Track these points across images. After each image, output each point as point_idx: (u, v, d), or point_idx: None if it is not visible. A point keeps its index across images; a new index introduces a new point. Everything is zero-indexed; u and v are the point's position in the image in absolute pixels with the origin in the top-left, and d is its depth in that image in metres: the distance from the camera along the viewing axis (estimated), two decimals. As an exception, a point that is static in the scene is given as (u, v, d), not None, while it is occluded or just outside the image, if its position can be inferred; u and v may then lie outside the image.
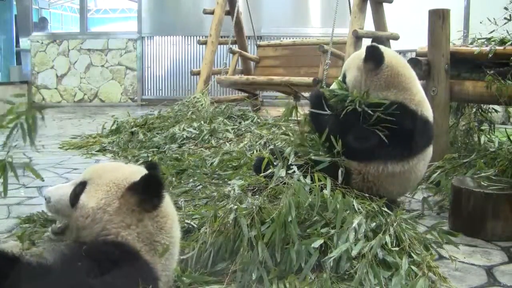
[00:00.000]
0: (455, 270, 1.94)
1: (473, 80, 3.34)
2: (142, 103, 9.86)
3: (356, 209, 1.95)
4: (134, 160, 3.82)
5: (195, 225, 2.05)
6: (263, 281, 1.65)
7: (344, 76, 2.62)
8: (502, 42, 3.22)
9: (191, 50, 9.83)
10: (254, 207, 1.86)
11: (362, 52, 2.58)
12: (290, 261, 1.71)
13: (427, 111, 2.52)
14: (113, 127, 5.21)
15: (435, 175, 2.90)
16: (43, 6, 13.37)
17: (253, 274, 1.66)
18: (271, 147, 3.51)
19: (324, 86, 4.96)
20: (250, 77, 6.25)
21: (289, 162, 2.30)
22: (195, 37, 9.42)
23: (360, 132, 2.37)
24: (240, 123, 4.80)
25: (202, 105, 5.43)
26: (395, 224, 1.92)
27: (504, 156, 2.68)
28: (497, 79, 3.08)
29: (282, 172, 2.19)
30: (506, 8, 3.15)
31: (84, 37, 10.05)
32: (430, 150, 2.59)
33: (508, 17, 3.11)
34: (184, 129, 4.46)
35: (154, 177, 1.40)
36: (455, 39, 3.63)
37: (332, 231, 1.82)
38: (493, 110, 3.80)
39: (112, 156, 4.28)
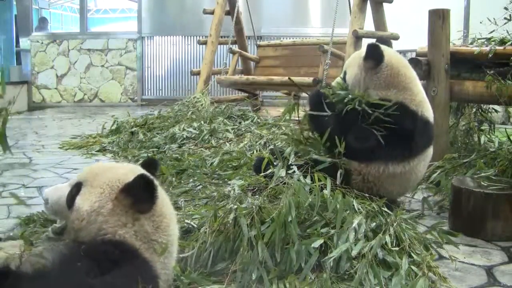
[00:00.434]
0: (455, 270, 1.94)
1: (473, 80, 3.34)
2: (142, 103, 9.86)
3: (356, 209, 1.95)
4: (134, 160, 3.82)
5: (195, 225, 2.05)
6: (263, 281, 1.64)
7: (345, 74, 2.63)
8: (502, 42, 3.21)
9: (191, 50, 9.83)
10: (254, 207, 1.85)
11: (363, 50, 2.57)
12: (290, 261, 1.71)
13: (428, 112, 2.52)
14: (113, 127, 5.21)
15: (435, 175, 2.90)
16: (43, 6, 13.37)
17: (253, 274, 1.65)
18: (271, 147, 3.51)
19: (324, 86, 4.97)
20: (250, 77, 6.25)
21: (289, 162, 2.30)
22: (195, 37, 9.42)
23: (361, 132, 2.37)
24: (240, 123, 4.80)
25: (202, 105, 5.43)
26: (395, 224, 1.92)
27: (504, 156, 2.68)
28: (497, 79, 3.08)
29: (282, 172, 2.19)
30: (506, 8, 3.15)
31: (84, 37, 10.05)
32: (430, 151, 2.59)
33: (508, 17, 3.11)
34: (184, 129, 4.46)
35: (147, 178, 1.39)
36: (455, 39, 3.63)
37: (332, 231, 1.81)
38: (493, 110, 3.81)
39: (112, 156, 4.28)
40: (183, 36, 9.83)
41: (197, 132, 4.38)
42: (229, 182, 2.81)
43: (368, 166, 2.42)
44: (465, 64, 3.41)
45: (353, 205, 1.95)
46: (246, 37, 7.02)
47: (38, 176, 3.57)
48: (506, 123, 5.50)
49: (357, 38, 4.82)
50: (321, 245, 1.75)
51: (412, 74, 2.54)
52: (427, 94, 2.67)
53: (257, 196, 2.21)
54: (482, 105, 3.64)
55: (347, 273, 1.71)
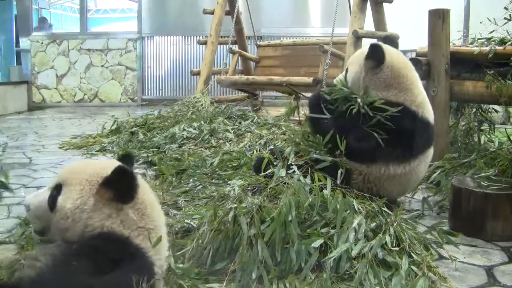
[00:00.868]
0: (455, 270, 1.94)
1: (473, 80, 3.34)
2: (142, 103, 9.86)
3: (356, 209, 1.95)
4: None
5: (195, 225, 2.05)
6: (263, 280, 1.64)
7: (347, 71, 2.63)
8: (502, 42, 3.22)
9: (191, 50, 9.83)
10: (254, 206, 1.85)
11: (366, 49, 2.57)
12: (290, 260, 1.71)
13: (428, 113, 2.52)
14: (113, 127, 5.21)
15: (435, 175, 2.90)
16: (43, 6, 13.38)
17: (252, 273, 1.65)
18: (271, 147, 3.51)
19: (324, 86, 4.97)
20: (250, 77, 6.25)
21: (289, 162, 2.30)
22: (195, 37, 9.42)
23: (361, 133, 2.37)
24: (240, 123, 4.80)
25: (202, 105, 5.43)
26: (395, 224, 1.92)
27: (504, 156, 2.68)
28: (497, 79, 3.08)
29: (282, 172, 2.19)
30: (506, 8, 3.15)
31: (84, 37, 10.05)
32: (431, 152, 2.59)
33: (508, 17, 3.12)
34: (184, 129, 4.46)
35: (125, 169, 1.41)
36: (455, 39, 3.63)
37: (332, 231, 1.81)
38: (493, 110, 3.81)
39: (112, 156, 4.28)
40: (183, 36, 9.83)
41: (197, 132, 4.38)
42: (229, 182, 2.81)
43: (369, 167, 2.42)
44: (465, 64, 3.41)
45: (353, 205, 1.95)
46: (246, 37, 7.02)
47: (38, 176, 3.57)
48: (506, 123, 5.50)
49: (357, 38, 4.81)
50: (321, 245, 1.75)
51: (413, 75, 2.54)
52: (427, 94, 2.67)
53: (257, 196, 2.21)
54: (482, 105, 3.64)
55: (347, 273, 1.71)
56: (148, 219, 1.44)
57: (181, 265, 1.70)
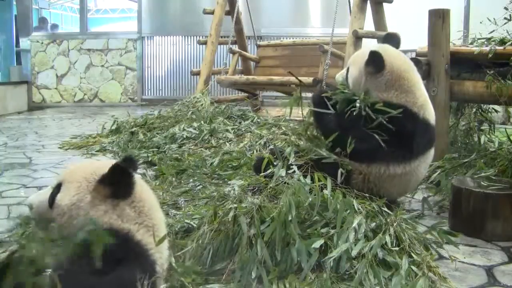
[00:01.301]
0: (455, 270, 1.94)
1: (473, 80, 3.34)
2: (142, 103, 9.85)
3: (356, 209, 1.95)
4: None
5: (194, 225, 2.05)
6: (263, 280, 1.64)
7: (348, 71, 2.64)
8: (502, 42, 3.21)
9: (191, 50, 9.82)
10: (253, 206, 1.85)
11: (366, 52, 2.56)
12: (290, 260, 1.71)
13: (430, 114, 2.52)
14: (113, 127, 5.21)
15: (435, 175, 2.90)
16: (43, 6, 13.37)
17: (252, 273, 1.65)
18: (271, 147, 3.51)
19: (324, 86, 4.97)
20: (250, 77, 6.25)
21: (289, 162, 2.30)
22: (195, 37, 9.41)
23: (362, 133, 2.37)
24: (240, 123, 4.79)
25: (202, 105, 5.43)
26: (395, 224, 1.92)
27: (504, 156, 2.68)
28: (497, 79, 3.08)
29: (282, 172, 2.19)
30: (506, 8, 3.15)
31: (84, 37, 10.05)
32: (431, 153, 2.59)
33: (508, 17, 3.11)
34: (184, 129, 4.46)
35: (121, 166, 1.43)
36: (455, 39, 3.62)
37: (332, 231, 1.81)
38: (493, 110, 3.80)
39: (112, 156, 4.28)
40: (183, 36, 9.83)
41: (197, 132, 4.38)
42: (229, 182, 2.81)
43: (369, 167, 2.42)
44: (465, 64, 3.40)
45: (353, 205, 1.95)
46: (246, 37, 7.02)
47: (38, 176, 3.57)
48: (506, 123, 5.50)
49: (357, 38, 4.81)
50: (321, 245, 1.75)
51: (414, 77, 2.53)
52: (427, 94, 2.67)
53: (257, 196, 2.21)
54: (482, 105, 3.64)
55: (347, 273, 1.71)
56: (146, 217, 1.45)
57: (182, 263, 1.70)
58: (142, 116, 5.35)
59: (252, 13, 6.85)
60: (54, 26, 11.86)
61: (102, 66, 10.00)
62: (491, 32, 3.31)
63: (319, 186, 1.98)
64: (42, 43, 10.02)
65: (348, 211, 1.89)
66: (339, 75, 2.71)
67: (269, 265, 1.68)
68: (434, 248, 2.05)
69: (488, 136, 3.56)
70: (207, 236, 1.82)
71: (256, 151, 3.68)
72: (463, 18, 7.67)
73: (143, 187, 1.51)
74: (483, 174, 2.58)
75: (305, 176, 2.14)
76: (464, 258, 2.07)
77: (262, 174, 2.37)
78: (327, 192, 1.98)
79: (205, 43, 6.48)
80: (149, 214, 1.47)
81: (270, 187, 2.10)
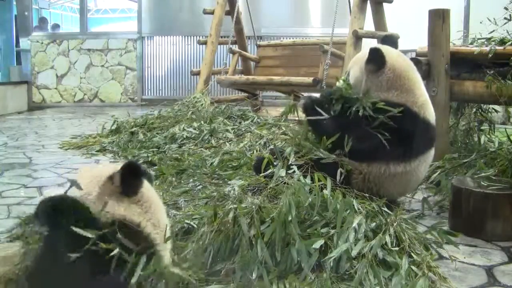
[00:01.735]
0: (455, 270, 1.94)
1: (473, 80, 3.34)
2: (142, 103, 9.85)
3: (356, 209, 1.95)
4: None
5: (195, 225, 2.05)
6: (263, 280, 1.64)
7: (348, 74, 2.63)
8: (502, 42, 3.21)
9: (191, 50, 9.83)
10: (253, 206, 1.85)
11: (366, 52, 2.57)
12: (290, 260, 1.71)
13: (430, 114, 2.52)
14: (113, 127, 5.21)
15: (435, 175, 2.90)
16: (43, 6, 13.37)
17: (253, 273, 1.65)
18: (271, 147, 3.51)
19: (324, 86, 4.97)
20: (250, 77, 6.25)
21: (289, 162, 2.30)
22: (195, 37, 9.42)
23: (362, 132, 2.37)
24: (240, 123, 4.79)
25: (202, 105, 5.43)
26: (395, 224, 1.92)
27: (504, 156, 2.68)
28: (497, 79, 3.08)
29: (282, 172, 2.19)
30: (506, 8, 3.15)
31: (84, 37, 10.05)
32: (432, 152, 2.59)
33: (508, 17, 3.11)
34: (184, 129, 4.46)
35: (132, 165, 1.52)
36: (455, 39, 3.62)
37: (332, 231, 1.81)
38: (493, 110, 3.80)
39: (112, 156, 4.28)
40: (183, 36, 9.83)
41: (197, 132, 4.38)
42: (229, 182, 2.81)
43: (369, 166, 2.42)
44: (465, 64, 3.40)
45: (353, 205, 1.95)
46: (246, 37, 7.02)
47: (38, 176, 3.57)
48: (506, 123, 5.50)
49: (357, 38, 4.82)
50: (321, 245, 1.75)
51: (415, 77, 2.54)
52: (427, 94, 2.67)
53: (257, 196, 2.21)
54: (482, 105, 3.64)
55: (347, 273, 1.71)
56: (153, 215, 1.52)
57: (182, 257, 1.73)
58: (142, 116, 5.35)
59: (252, 13, 6.85)
60: (54, 26, 11.87)
61: (102, 66, 10.01)
62: (491, 32, 3.31)
63: (319, 186, 1.98)
64: (42, 43, 10.02)
65: (348, 211, 1.89)
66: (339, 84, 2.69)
67: (269, 265, 1.68)
68: (434, 248, 2.05)
69: (488, 136, 3.56)
70: (207, 236, 1.82)
71: (256, 151, 3.68)
72: (463, 18, 7.66)
73: (151, 191, 1.59)
74: (483, 174, 2.57)
75: (305, 176, 2.14)
76: (464, 258, 2.07)
77: (262, 174, 2.37)
78: (327, 192, 1.97)
79: (205, 43, 6.48)
80: (155, 214, 1.53)
81: (270, 187, 2.09)
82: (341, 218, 1.85)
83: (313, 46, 6.05)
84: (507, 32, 3.24)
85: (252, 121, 4.81)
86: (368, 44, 4.38)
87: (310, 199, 1.90)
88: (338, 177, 2.25)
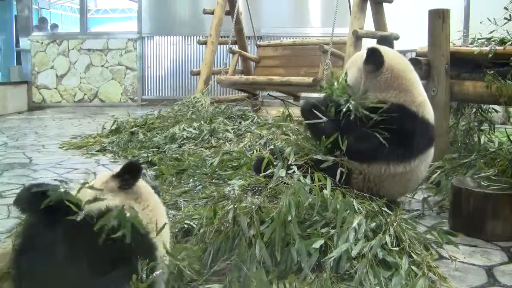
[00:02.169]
0: (455, 270, 1.94)
1: (473, 80, 3.34)
2: (142, 103, 9.86)
3: (356, 209, 1.95)
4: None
5: (194, 226, 2.05)
6: (260, 277, 1.64)
7: (346, 75, 2.63)
8: (502, 42, 3.21)
9: (191, 50, 9.83)
10: (253, 206, 1.85)
11: (364, 52, 2.57)
12: (290, 260, 1.71)
13: (429, 113, 2.52)
14: (113, 127, 5.21)
15: (435, 175, 2.90)
16: (43, 6, 13.38)
17: (249, 270, 1.65)
18: (271, 147, 3.51)
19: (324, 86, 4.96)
20: (250, 77, 6.24)
21: (289, 162, 2.30)
22: (195, 37, 9.42)
23: (362, 133, 2.37)
24: (240, 123, 4.80)
25: (202, 105, 5.43)
26: (395, 224, 1.92)
27: (504, 156, 2.68)
28: (497, 79, 3.08)
29: (282, 172, 2.19)
30: (506, 8, 3.15)
31: (84, 37, 10.05)
32: (431, 152, 2.59)
33: (508, 17, 3.11)
34: (184, 129, 4.46)
35: (133, 162, 1.62)
36: (455, 39, 3.62)
37: (332, 231, 1.81)
38: (493, 110, 3.80)
39: (112, 156, 4.28)
40: (183, 36, 9.83)
41: (197, 132, 4.38)
42: (229, 182, 2.81)
43: (369, 166, 2.42)
44: (465, 64, 3.40)
45: (353, 205, 1.95)
46: (246, 37, 7.02)
47: (38, 176, 3.57)
48: (506, 123, 5.50)
49: (357, 38, 4.81)
50: (321, 245, 1.75)
51: (413, 77, 2.54)
52: (427, 94, 2.67)
53: (257, 196, 2.21)
54: (482, 105, 3.64)
55: (347, 273, 1.71)
56: (150, 212, 1.57)
57: (179, 246, 1.76)
58: (142, 116, 5.35)
59: (252, 13, 6.85)
60: (54, 26, 11.87)
61: (102, 66, 10.01)
62: (491, 32, 3.31)
63: (319, 186, 1.98)
64: (42, 43, 10.02)
65: (348, 211, 1.89)
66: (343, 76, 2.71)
67: (269, 265, 1.68)
68: (434, 248, 2.05)
69: (488, 136, 3.55)
70: (207, 236, 1.82)
71: (256, 151, 3.68)
72: (463, 18, 7.66)
73: (153, 196, 1.65)
74: (483, 174, 2.57)
75: (305, 176, 2.14)
76: (464, 258, 2.07)
77: (262, 174, 2.37)
78: (327, 192, 1.97)
79: (205, 43, 6.48)
80: (154, 214, 1.57)
81: (270, 187, 2.10)
82: (341, 218, 1.85)
83: (313, 46, 6.05)
84: (507, 32, 3.24)
85: (252, 121, 4.81)
86: (368, 44, 4.38)
87: (310, 199, 1.90)
88: (338, 177, 2.25)
